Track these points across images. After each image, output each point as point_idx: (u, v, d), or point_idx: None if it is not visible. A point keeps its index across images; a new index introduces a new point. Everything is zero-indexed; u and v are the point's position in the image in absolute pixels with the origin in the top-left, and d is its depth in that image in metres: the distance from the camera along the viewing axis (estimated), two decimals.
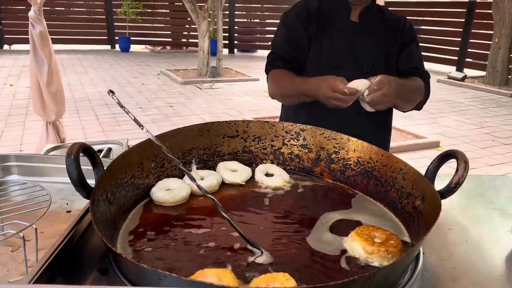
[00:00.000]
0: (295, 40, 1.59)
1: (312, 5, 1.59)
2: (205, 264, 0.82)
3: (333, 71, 1.49)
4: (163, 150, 1.03)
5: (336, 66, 1.54)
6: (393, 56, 1.60)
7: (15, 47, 11.85)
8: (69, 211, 1.08)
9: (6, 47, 11.91)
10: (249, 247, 0.87)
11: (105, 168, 0.96)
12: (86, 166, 0.91)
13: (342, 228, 0.97)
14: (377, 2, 1.67)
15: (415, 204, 1.00)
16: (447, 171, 1.11)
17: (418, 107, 1.64)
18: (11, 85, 7.45)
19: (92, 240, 0.92)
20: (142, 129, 1.06)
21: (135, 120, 1.09)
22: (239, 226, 0.90)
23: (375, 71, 1.49)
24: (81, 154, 0.89)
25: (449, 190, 0.94)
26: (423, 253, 0.91)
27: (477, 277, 0.88)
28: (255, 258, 0.84)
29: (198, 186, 1.00)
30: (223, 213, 0.92)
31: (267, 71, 1.64)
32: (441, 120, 6.23)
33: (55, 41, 3.29)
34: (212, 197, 0.95)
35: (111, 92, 1.09)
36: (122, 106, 1.08)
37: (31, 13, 3.06)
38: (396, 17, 1.64)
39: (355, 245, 0.88)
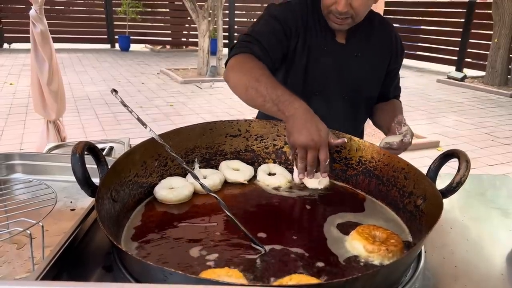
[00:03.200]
0: (279, 34, 1.34)
1: (302, 13, 1.38)
2: (208, 262, 0.83)
3: (314, 96, 1.39)
4: (166, 149, 1.04)
5: (318, 91, 1.40)
6: (377, 78, 1.49)
7: (14, 46, 11.84)
8: (73, 209, 1.09)
9: (5, 46, 11.90)
10: (253, 245, 0.88)
11: (109, 166, 0.97)
12: (89, 164, 0.91)
13: (345, 228, 0.98)
14: (375, 6, 1.56)
15: (417, 203, 1.01)
16: (448, 171, 1.12)
17: None
18: (11, 84, 7.44)
19: (96, 238, 0.93)
20: (146, 128, 1.06)
21: (139, 119, 1.10)
22: (242, 225, 0.91)
23: (355, 95, 1.45)
24: (85, 152, 0.90)
25: (451, 189, 0.95)
26: (425, 252, 0.92)
27: (478, 275, 0.89)
28: (258, 256, 0.85)
29: (201, 184, 1.01)
30: (227, 212, 0.93)
31: (234, 51, 1.29)
32: (440, 120, 6.24)
33: (54, 40, 3.29)
34: (216, 195, 0.96)
35: (114, 91, 1.10)
36: (125, 105, 1.09)
37: (32, 12, 3.07)
38: (386, 32, 1.49)
39: (355, 244, 0.89)
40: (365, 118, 1.60)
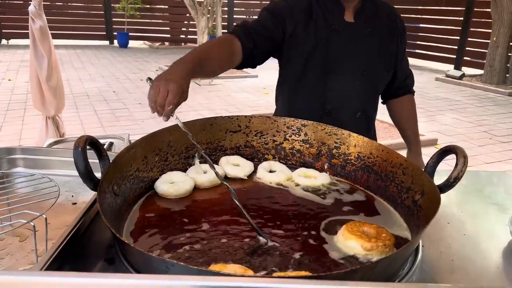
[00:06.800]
0: (267, 22, 1.44)
1: (301, 1, 1.49)
2: (209, 255, 0.84)
3: (328, 75, 1.47)
4: (188, 137, 1.05)
5: (331, 70, 1.47)
6: (390, 55, 1.56)
7: (12, 41, 11.80)
8: (74, 203, 1.09)
9: (4, 41, 11.86)
10: (258, 236, 0.89)
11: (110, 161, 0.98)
12: (90, 159, 0.92)
13: (328, 227, 0.98)
14: None
15: (415, 199, 1.02)
16: (445, 167, 1.13)
17: None
18: (9, 80, 7.43)
19: (98, 232, 0.94)
20: (172, 115, 1.05)
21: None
22: (239, 219, 0.92)
23: (372, 73, 1.50)
24: (87, 147, 0.91)
25: (449, 184, 0.96)
26: (422, 246, 0.93)
27: (474, 269, 0.90)
28: (260, 248, 0.86)
29: (216, 173, 1.04)
30: (235, 200, 0.95)
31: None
32: (439, 118, 6.26)
33: (53, 36, 3.28)
34: (227, 184, 0.98)
35: (149, 79, 1.10)
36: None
37: (31, 8, 3.06)
38: (389, 12, 1.58)
39: (351, 244, 0.87)
40: (378, 101, 1.67)
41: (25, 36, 3.25)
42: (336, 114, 1.48)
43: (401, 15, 1.64)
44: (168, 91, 1.02)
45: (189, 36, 13.17)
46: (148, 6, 12.79)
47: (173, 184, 1.10)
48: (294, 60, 1.50)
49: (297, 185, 1.19)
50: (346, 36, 1.47)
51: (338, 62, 1.48)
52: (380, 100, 1.70)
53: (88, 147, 0.91)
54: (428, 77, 9.56)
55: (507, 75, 8.75)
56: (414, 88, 1.79)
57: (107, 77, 8.12)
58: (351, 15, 1.48)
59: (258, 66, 1.47)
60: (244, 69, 9.22)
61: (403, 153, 1.14)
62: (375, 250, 0.85)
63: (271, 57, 1.53)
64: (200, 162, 1.25)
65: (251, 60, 1.41)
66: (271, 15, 1.46)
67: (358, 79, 1.49)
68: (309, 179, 1.20)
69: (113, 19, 12.75)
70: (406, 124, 1.77)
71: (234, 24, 1.50)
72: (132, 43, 12.82)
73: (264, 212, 1.04)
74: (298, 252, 0.87)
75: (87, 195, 1.10)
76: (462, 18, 10.06)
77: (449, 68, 9.91)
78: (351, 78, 1.49)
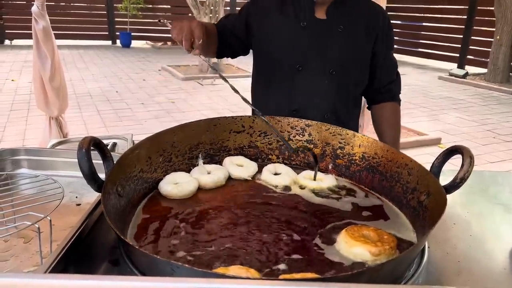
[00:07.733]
0: (233, 17, 1.56)
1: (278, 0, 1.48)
2: (213, 256, 0.83)
3: (296, 74, 1.44)
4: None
5: (298, 68, 1.44)
6: (365, 55, 1.48)
7: (16, 42, 11.84)
8: (78, 204, 1.09)
9: (7, 42, 11.90)
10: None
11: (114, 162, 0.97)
12: (94, 160, 0.91)
13: (329, 233, 0.95)
14: (378, 3, 1.56)
15: (420, 199, 1.01)
16: (450, 167, 1.13)
17: None
18: (13, 80, 7.45)
19: (102, 233, 0.93)
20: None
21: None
22: (243, 220, 0.91)
23: (343, 72, 1.45)
24: (91, 148, 0.90)
25: (454, 185, 0.95)
26: (428, 247, 0.93)
27: (480, 270, 0.89)
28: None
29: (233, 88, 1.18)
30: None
31: None
32: (442, 117, 6.24)
33: (56, 37, 3.29)
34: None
35: (159, 21, 1.23)
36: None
37: (34, 9, 3.07)
38: (371, 9, 1.50)
39: (357, 250, 0.85)
40: (356, 104, 1.60)
41: (28, 36, 3.25)
42: (303, 114, 1.41)
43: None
44: (192, 28, 1.21)
45: None
46: (151, 6, 12.80)
47: (177, 184, 1.09)
48: (262, 58, 1.53)
49: (303, 187, 1.18)
50: (315, 34, 1.43)
51: (305, 61, 1.43)
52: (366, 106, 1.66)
53: (92, 148, 0.91)
54: (431, 76, 9.54)
55: (510, 73, 8.72)
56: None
57: (109, 77, 8.13)
58: (324, 11, 1.44)
59: None
60: (246, 69, 9.17)
61: (408, 152, 1.13)
62: (383, 254, 0.84)
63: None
64: (204, 163, 1.25)
65: (221, 50, 1.55)
66: (240, 12, 1.55)
67: (326, 78, 1.44)
68: (315, 182, 1.19)
69: (116, 19, 12.77)
70: (385, 135, 1.59)
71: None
72: (134, 43, 12.84)
73: (266, 214, 1.04)
74: (300, 255, 0.86)
75: (91, 196, 1.10)
76: (465, 17, 10.03)
77: (452, 67, 9.88)
78: (318, 77, 1.44)
